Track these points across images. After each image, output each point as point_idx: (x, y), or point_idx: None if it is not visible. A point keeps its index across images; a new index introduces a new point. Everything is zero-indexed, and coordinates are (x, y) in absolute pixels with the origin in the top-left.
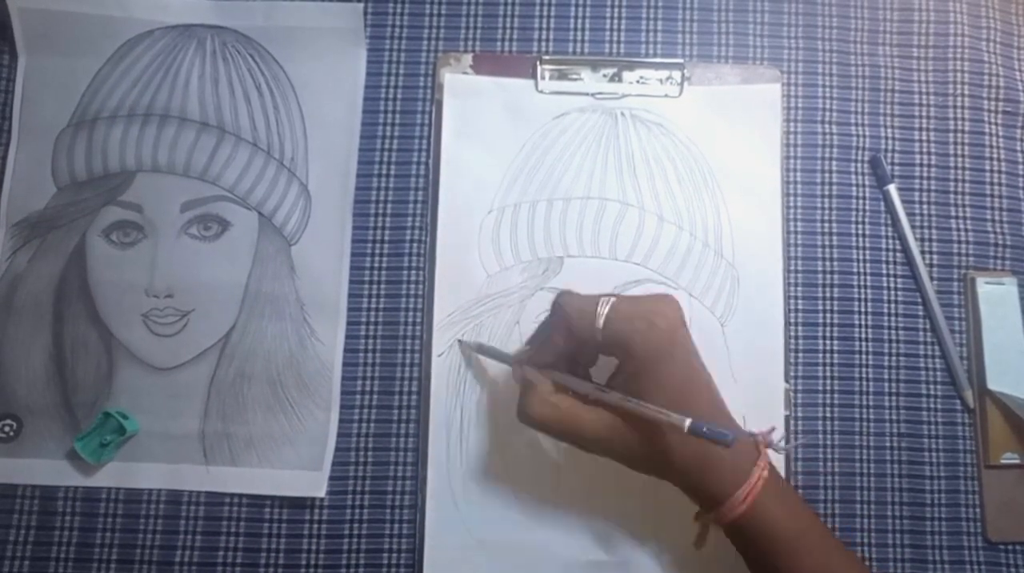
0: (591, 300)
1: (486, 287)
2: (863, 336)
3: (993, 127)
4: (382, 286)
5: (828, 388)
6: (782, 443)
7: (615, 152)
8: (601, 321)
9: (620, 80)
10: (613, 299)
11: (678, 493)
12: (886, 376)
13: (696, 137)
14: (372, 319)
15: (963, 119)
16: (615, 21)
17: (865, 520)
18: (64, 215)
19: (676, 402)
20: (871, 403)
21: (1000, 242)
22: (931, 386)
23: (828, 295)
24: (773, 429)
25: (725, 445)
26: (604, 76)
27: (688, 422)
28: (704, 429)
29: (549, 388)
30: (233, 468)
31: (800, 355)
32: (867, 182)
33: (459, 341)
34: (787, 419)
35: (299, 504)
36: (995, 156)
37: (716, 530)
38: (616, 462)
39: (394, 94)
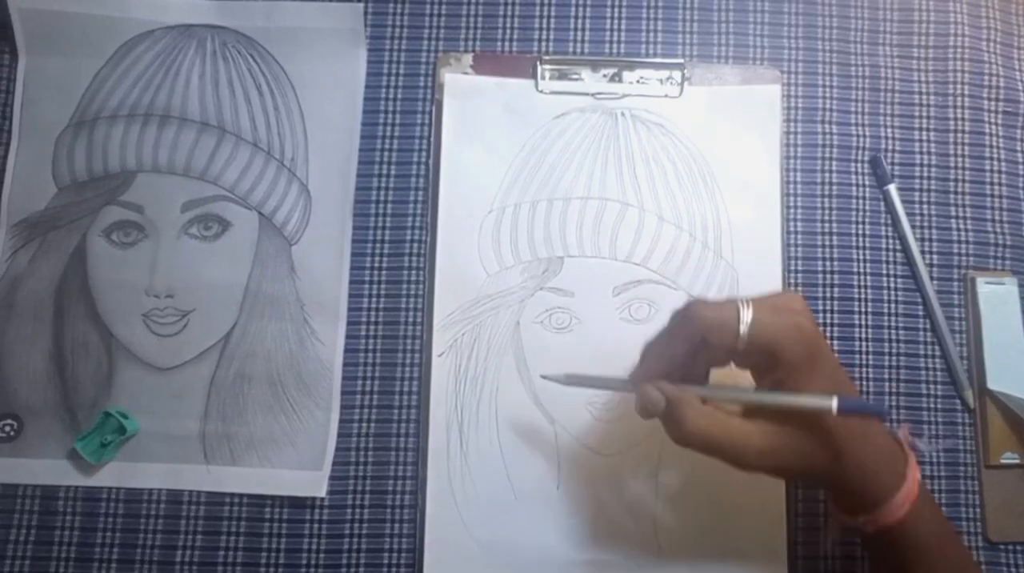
0: (728, 306)
1: (486, 287)
2: (863, 336)
3: (993, 127)
4: (382, 286)
5: None
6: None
7: (615, 152)
8: (745, 328)
9: (620, 80)
10: (752, 303)
11: (676, 493)
12: (886, 376)
13: (696, 137)
14: (372, 319)
15: (963, 119)
16: (615, 21)
17: None
18: (64, 215)
19: None
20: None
21: (1000, 242)
22: (931, 386)
23: (828, 295)
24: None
25: (881, 417)
26: (604, 76)
27: (835, 400)
28: (856, 404)
29: (699, 402)
30: (233, 468)
31: None
32: (867, 182)
33: (542, 376)
34: None
35: (299, 504)
36: (995, 156)
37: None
38: (766, 475)
39: (394, 94)
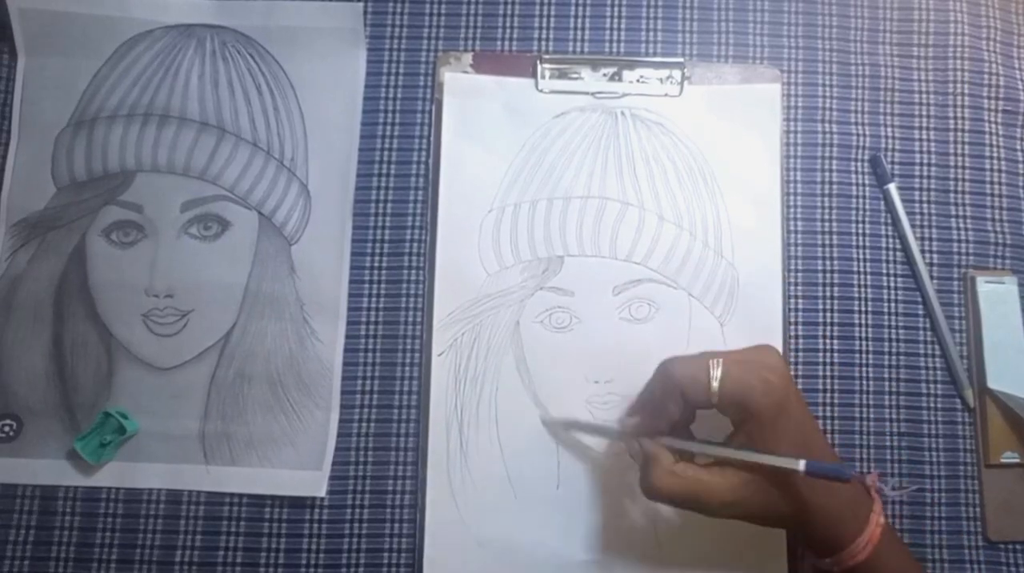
0: (700, 364)
1: (486, 286)
2: (863, 335)
3: (993, 126)
4: (382, 286)
5: (828, 387)
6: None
7: (615, 151)
8: (716, 384)
9: (620, 79)
10: (722, 360)
11: None
12: (886, 375)
13: (696, 136)
14: (372, 319)
15: (963, 118)
16: (615, 20)
17: None
18: (64, 215)
19: (798, 452)
20: (871, 402)
21: (1000, 241)
22: (931, 385)
23: (828, 295)
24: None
25: (843, 482)
26: (604, 75)
27: (803, 463)
28: (821, 468)
29: (670, 459)
30: (233, 468)
31: (800, 354)
32: (867, 181)
33: (543, 421)
34: None
35: (299, 504)
36: (995, 155)
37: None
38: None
39: (394, 94)
